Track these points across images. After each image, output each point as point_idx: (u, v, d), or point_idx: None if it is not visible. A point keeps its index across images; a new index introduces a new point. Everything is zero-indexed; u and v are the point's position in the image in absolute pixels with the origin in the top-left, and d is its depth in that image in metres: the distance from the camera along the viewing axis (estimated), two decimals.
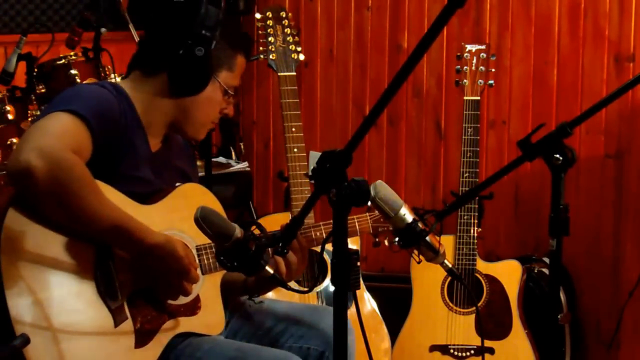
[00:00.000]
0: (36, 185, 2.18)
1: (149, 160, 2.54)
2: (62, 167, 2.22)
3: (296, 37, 3.50)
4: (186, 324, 2.47)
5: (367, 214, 2.77)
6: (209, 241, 2.47)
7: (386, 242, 2.77)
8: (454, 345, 3.61)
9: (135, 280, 2.38)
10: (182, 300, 2.45)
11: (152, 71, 2.54)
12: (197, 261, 2.48)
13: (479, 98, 3.62)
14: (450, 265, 2.30)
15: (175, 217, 2.49)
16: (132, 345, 2.35)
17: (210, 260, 2.49)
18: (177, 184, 2.60)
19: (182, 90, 2.53)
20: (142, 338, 2.38)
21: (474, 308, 3.58)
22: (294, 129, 3.40)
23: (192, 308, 2.48)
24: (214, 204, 2.51)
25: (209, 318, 2.53)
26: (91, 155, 2.35)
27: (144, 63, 2.58)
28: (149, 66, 2.56)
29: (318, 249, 3.40)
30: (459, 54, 3.66)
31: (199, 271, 2.46)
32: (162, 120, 2.57)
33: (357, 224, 2.80)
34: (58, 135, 2.27)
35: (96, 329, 2.30)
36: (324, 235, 2.71)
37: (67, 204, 2.23)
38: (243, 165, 4.62)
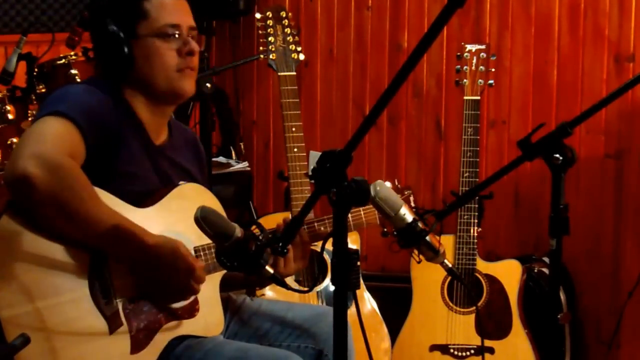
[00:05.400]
0: (36, 192, 2.18)
1: (149, 154, 2.53)
2: (60, 173, 2.21)
3: (296, 37, 3.50)
4: (185, 327, 2.46)
5: None
6: (207, 242, 2.46)
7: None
8: (454, 345, 3.61)
9: (132, 284, 2.36)
10: (180, 302, 2.44)
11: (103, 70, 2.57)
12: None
13: (479, 98, 3.62)
14: (450, 265, 2.30)
15: (172, 218, 2.48)
16: (127, 350, 2.34)
17: (209, 262, 2.48)
18: (180, 183, 2.59)
19: (116, 74, 2.51)
20: (138, 343, 2.36)
21: (473, 308, 3.58)
22: (294, 129, 3.40)
23: (191, 310, 2.47)
24: (213, 204, 2.49)
25: (208, 319, 2.52)
26: (85, 155, 2.34)
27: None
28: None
29: (318, 248, 3.41)
30: (459, 53, 3.66)
31: None
32: (145, 103, 2.53)
33: (363, 215, 2.79)
34: (52, 141, 2.26)
35: (91, 336, 2.29)
36: (329, 229, 2.70)
37: (67, 210, 2.23)
38: (243, 165, 4.62)
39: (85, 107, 2.38)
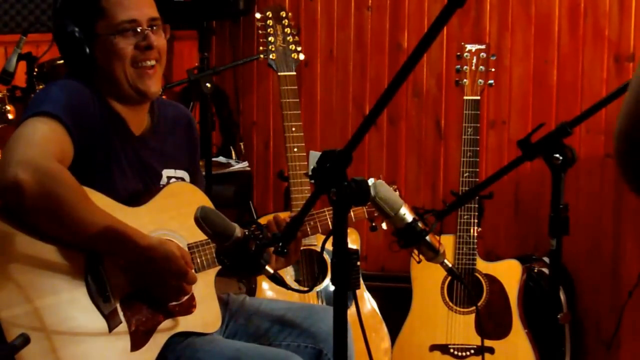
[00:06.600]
0: (26, 198, 2.18)
1: (132, 146, 2.53)
2: (49, 178, 2.22)
3: (296, 37, 3.50)
4: (182, 324, 2.47)
5: None
6: (200, 240, 2.47)
7: (384, 226, 2.76)
8: (453, 344, 3.61)
9: (129, 283, 2.37)
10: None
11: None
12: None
13: (479, 98, 3.62)
14: (450, 265, 2.30)
15: (164, 217, 2.48)
16: (127, 348, 2.35)
17: (203, 258, 2.49)
18: (164, 182, 2.58)
19: (81, 74, 2.51)
20: (138, 340, 2.37)
21: (473, 308, 3.58)
22: (294, 129, 3.40)
23: (187, 307, 2.48)
24: (205, 202, 2.49)
25: (205, 316, 2.52)
26: (74, 152, 2.35)
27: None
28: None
29: (318, 248, 3.41)
30: (458, 53, 3.66)
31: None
32: (118, 98, 2.52)
33: (351, 212, 2.79)
34: (40, 145, 2.27)
35: (90, 334, 2.29)
36: (318, 225, 2.71)
37: (58, 215, 2.23)
38: (243, 165, 4.62)
39: (69, 103, 2.39)
